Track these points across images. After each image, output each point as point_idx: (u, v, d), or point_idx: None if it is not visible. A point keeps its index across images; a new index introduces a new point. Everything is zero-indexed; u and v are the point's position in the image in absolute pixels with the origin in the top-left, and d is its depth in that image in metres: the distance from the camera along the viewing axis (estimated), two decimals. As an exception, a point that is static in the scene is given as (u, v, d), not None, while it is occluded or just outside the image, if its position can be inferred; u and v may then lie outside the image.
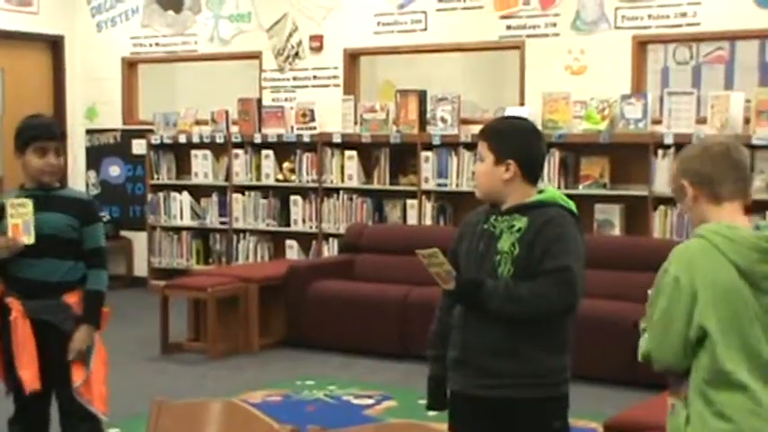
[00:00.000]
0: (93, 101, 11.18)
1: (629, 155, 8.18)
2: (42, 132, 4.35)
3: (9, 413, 4.44)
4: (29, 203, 4.17)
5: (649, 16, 8.31)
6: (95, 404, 4.36)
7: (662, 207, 8.01)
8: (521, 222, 3.38)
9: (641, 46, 8.43)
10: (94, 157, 11.20)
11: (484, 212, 3.51)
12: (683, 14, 8.18)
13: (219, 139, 10.08)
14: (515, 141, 3.46)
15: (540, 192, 3.50)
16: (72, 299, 4.32)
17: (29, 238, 4.15)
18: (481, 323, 3.38)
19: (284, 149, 9.78)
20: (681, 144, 7.79)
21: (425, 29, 9.29)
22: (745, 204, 2.90)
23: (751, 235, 2.79)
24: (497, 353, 3.36)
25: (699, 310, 2.75)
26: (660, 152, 7.96)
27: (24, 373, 4.24)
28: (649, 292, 2.97)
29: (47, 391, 4.37)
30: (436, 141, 8.90)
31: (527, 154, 3.46)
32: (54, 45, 11.10)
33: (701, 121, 7.96)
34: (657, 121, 8.15)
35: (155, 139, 10.48)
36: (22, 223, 4.14)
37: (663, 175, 7.92)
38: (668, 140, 7.91)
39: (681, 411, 2.84)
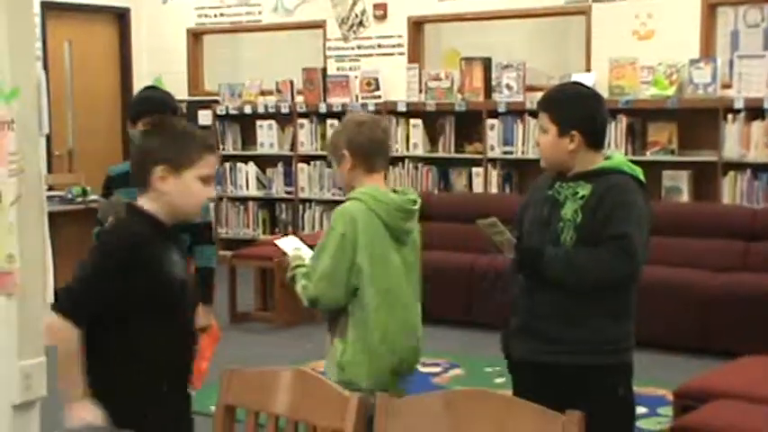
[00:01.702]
0: (158, 72, 11.25)
1: (697, 120, 8.06)
2: (153, 107, 4.31)
3: None
4: None
5: (719, -22, 8.17)
6: (192, 379, 4.40)
7: (731, 173, 7.89)
8: (584, 189, 3.35)
9: (711, 9, 8.28)
10: (161, 128, 11.29)
11: (550, 177, 3.48)
12: (754, -24, 8.03)
13: (284, 110, 10.11)
14: (578, 111, 3.42)
15: (607, 158, 3.46)
16: None
17: None
18: (544, 291, 3.36)
19: (349, 118, 9.77)
20: (752, 108, 7.69)
21: (490, -5, 9.23)
22: (385, 173, 3.60)
23: (397, 198, 3.49)
24: (560, 320, 3.34)
25: (358, 257, 3.41)
26: (730, 117, 7.83)
27: None
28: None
29: None
30: (502, 109, 8.84)
31: (590, 122, 3.42)
32: (120, 17, 11.20)
33: (773, 84, 7.82)
34: (727, 86, 8.01)
35: (220, 110, 10.54)
36: None
37: (733, 140, 7.81)
38: (738, 105, 7.78)
39: (338, 345, 3.50)
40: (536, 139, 3.35)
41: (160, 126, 3.02)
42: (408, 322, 3.58)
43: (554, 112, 3.41)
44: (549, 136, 3.40)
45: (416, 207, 3.55)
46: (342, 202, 3.52)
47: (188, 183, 2.88)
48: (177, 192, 2.89)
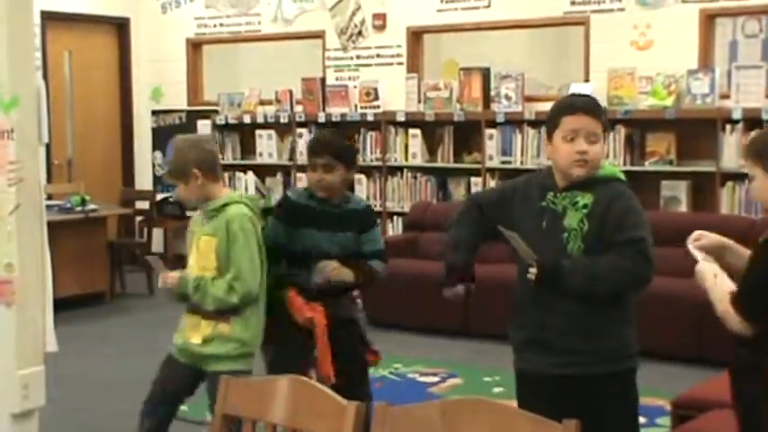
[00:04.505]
0: (158, 82, 11.29)
1: (695, 130, 8.07)
2: (311, 147, 4.43)
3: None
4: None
5: (717, -11, 8.19)
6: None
7: (729, 183, 7.90)
8: (585, 198, 3.34)
9: (709, 19, 8.30)
10: (160, 137, 11.29)
11: (537, 188, 3.45)
12: (752, -14, 8.04)
13: (284, 119, 10.12)
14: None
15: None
16: (354, 292, 4.57)
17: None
18: (557, 302, 3.34)
19: (348, 128, 9.78)
20: (750, 119, 7.71)
21: (489, 6, 9.23)
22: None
23: (255, 200, 4.28)
24: (575, 330, 3.33)
25: (258, 245, 4.13)
26: (728, 127, 7.85)
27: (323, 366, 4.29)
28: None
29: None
30: (500, 119, 8.85)
31: None
32: (120, 27, 11.22)
33: (771, 94, 7.84)
34: (725, 96, 8.03)
35: (219, 120, 10.55)
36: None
37: (731, 150, 7.82)
38: (736, 115, 7.79)
39: (236, 324, 4.06)
40: (585, 148, 3.25)
41: None
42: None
43: (602, 119, 3.40)
44: (601, 144, 3.38)
45: None
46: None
47: None
48: None
